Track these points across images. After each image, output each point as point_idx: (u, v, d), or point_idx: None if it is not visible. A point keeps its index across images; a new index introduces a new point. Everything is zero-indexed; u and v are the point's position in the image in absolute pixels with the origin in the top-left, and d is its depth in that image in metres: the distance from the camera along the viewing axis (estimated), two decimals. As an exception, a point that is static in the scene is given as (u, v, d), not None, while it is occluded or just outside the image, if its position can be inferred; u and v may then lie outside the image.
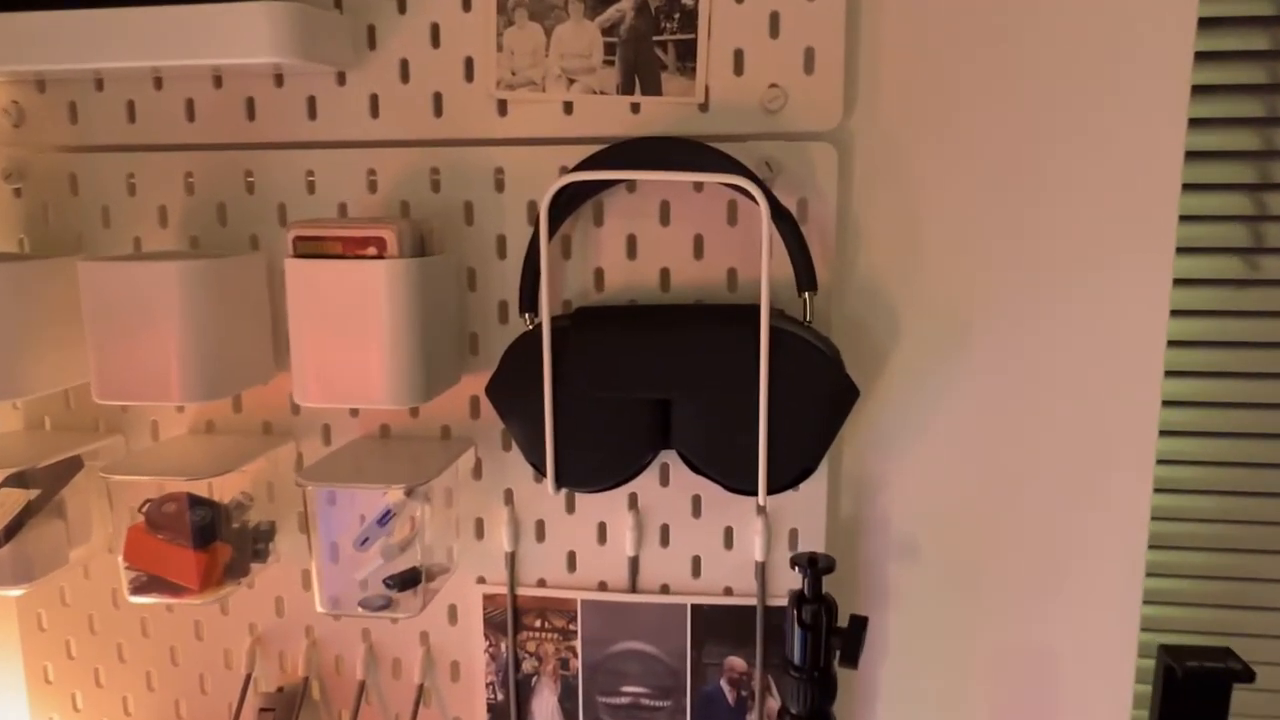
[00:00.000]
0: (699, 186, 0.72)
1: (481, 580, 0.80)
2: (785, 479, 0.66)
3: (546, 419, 0.66)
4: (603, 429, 0.67)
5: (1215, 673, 0.60)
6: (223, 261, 0.70)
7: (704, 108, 0.70)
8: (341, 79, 0.74)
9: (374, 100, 0.74)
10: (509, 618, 0.79)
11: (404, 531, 0.75)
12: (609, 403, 0.66)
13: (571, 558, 0.78)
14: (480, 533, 0.79)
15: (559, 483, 0.69)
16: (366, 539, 0.70)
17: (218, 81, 0.76)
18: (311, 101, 0.75)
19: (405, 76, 0.73)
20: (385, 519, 0.70)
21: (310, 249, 0.66)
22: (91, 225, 0.79)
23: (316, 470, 0.71)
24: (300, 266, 0.66)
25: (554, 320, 0.68)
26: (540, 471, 0.69)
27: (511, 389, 0.69)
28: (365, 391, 0.66)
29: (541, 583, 0.79)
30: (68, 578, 0.86)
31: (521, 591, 0.78)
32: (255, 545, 0.79)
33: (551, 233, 0.69)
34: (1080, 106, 0.69)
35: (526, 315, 0.69)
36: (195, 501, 0.72)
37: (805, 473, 0.67)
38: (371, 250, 0.65)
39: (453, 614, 0.81)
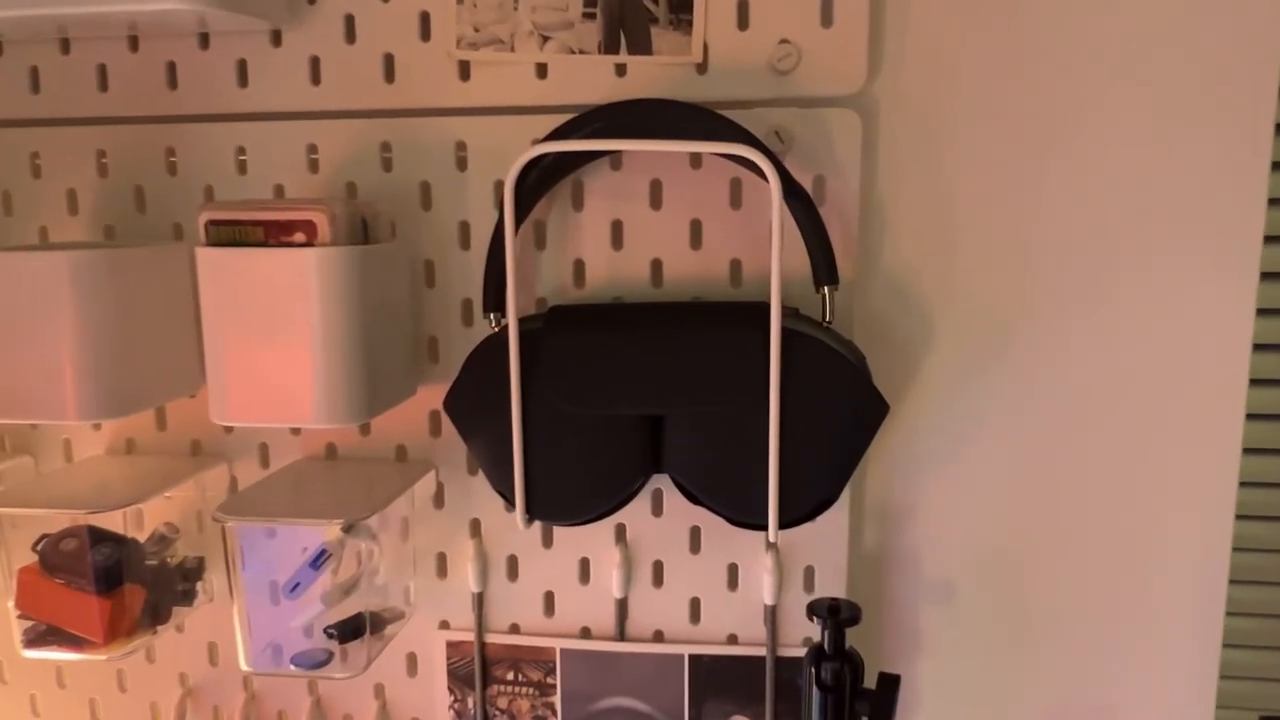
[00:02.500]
0: (696, 161, 0.61)
1: (445, 625, 0.70)
2: (800, 511, 0.57)
3: (515, 439, 0.57)
4: (582, 451, 0.57)
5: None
6: (129, 252, 0.60)
7: (702, 69, 0.61)
8: (276, 39, 0.64)
9: (314, 64, 0.64)
10: (477, 669, 0.69)
11: (350, 571, 0.64)
12: (589, 420, 0.57)
13: (549, 599, 0.68)
14: (443, 570, 0.69)
15: (531, 514, 0.59)
16: (298, 584, 0.59)
17: (133, 43, 0.66)
18: (242, 66, 0.65)
19: (351, 35, 0.64)
20: (319, 560, 0.59)
21: (226, 236, 0.55)
22: (-10, 213, 0.69)
23: (242, 501, 0.60)
24: (214, 257, 0.55)
25: (524, 321, 0.59)
26: (508, 501, 0.59)
27: (473, 403, 0.59)
28: (294, 408, 0.56)
29: (514, 628, 0.69)
30: (-29, 620, 0.75)
31: (491, 639, 0.69)
32: (180, 585, 0.68)
33: (522, 217, 0.60)
34: (1151, 66, 0.59)
35: (492, 316, 0.59)
36: (99, 537, 0.62)
37: (824, 504, 0.58)
38: (299, 237, 0.54)
39: (412, 664, 0.71)
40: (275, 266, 0.54)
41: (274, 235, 0.54)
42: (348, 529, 0.58)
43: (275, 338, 0.55)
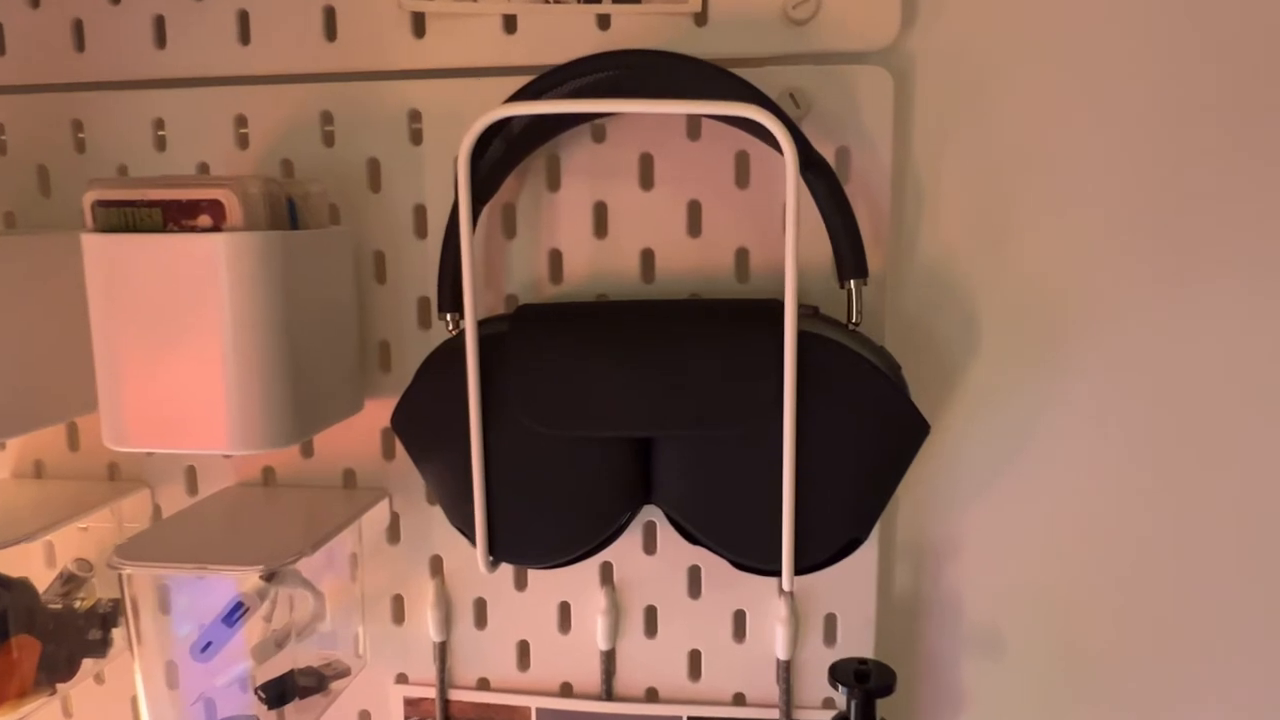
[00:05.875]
0: (695, 130, 0.52)
1: (402, 679, 0.61)
2: (821, 554, 0.48)
3: (475, 465, 0.48)
4: (556, 480, 0.48)
5: None
6: (20, 240, 0.51)
7: (701, 19, 0.51)
8: (199, -10, 0.55)
9: (243, 19, 0.55)
10: (439, 731, 0.60)
11: (286, 617, 0.54)
12: (564, 443, 0.47)
13: (523, 650, 0.59)
14: (399, 616, 0.60)
15: (495, 556, 0.50)
16: (209, 644, 0.49)
17: (33, -2, 0.56)
18: (159, 23, 0.56)
19: (285, -15, 0.55)
20: (235, 615, 0.49)
21: (117, 220, 0.45)
22: (-126, 198, 0.60)
23: (145, 542, 0.50)
24: (102, 245, 0.45)
25: (486, 324, 0.49)
26: (468, 538, 0.50)
27: (426, 420, 0.50)
28: (204, 430, 0.46)
29: (483, 684, 0.60)
30: None
31: (455, 695, 0.60)
32: (92, 633, 0.58)
33: (485, 198, 0.51)
34: (1242, 18, 0.48)
35: (449, 316, 0.49)
36: (-19, 582, 0.52)
37: (851, 544, 0.48)
38: (204, 220, 0.44)
39: (364, 724, 0.62)
40: (175, 256, 0.44)
41: (174, 219, 0.44)
42: (269, 576, 0.48)
43: (179, 343, 0.45)
